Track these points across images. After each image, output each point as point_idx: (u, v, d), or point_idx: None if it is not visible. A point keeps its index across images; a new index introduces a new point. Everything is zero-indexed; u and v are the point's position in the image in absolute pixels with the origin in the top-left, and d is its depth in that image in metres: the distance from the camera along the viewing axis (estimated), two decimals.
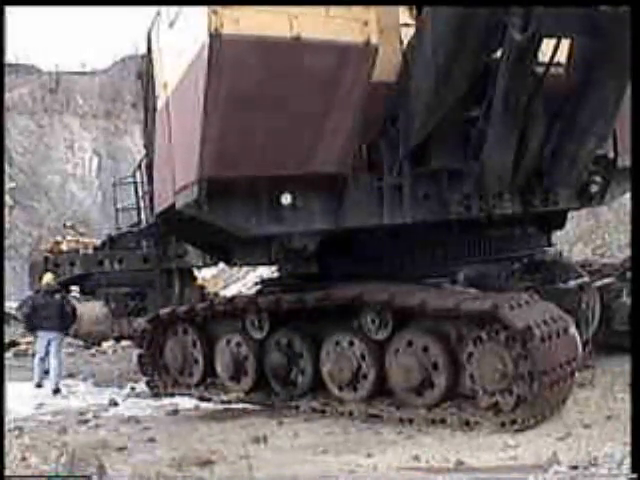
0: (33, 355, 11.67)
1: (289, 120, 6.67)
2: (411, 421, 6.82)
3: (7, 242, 30.84)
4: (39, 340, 11.09)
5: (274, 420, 7.40)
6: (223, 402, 8.56)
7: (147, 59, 8.82)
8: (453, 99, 6.99)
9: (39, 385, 10.87)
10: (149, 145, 9.42)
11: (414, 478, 5.30)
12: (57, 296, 11.07)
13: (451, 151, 7.57)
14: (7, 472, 5.13)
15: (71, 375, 11.76)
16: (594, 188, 8.56)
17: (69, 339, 16.16)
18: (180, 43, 7.13)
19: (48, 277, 11.77)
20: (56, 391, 10.61)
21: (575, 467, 4.91)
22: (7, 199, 35.26)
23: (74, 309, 11.45)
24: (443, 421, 6.65)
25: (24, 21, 61.67)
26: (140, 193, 10.49)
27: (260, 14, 6.29)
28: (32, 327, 11.24)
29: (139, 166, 10.50)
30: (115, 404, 8.99)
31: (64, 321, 10.95)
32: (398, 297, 7.03)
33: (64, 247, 20.95)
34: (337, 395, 7.59)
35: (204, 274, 21.58)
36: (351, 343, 7.48)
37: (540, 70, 6.89)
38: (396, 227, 7.64)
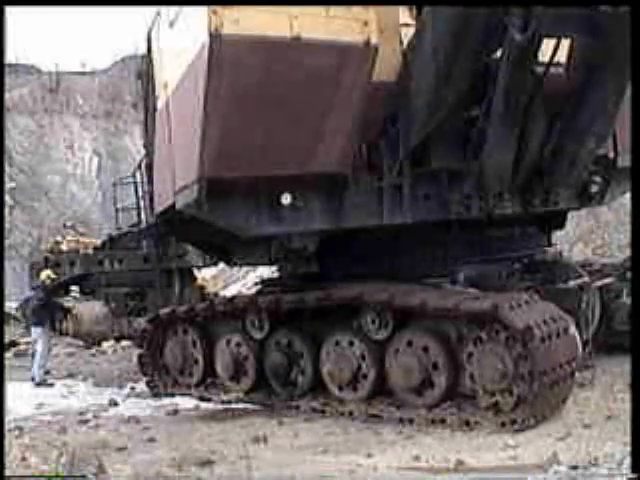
0: (32, 355, 11.81)
1: (289, 120, 6.67)
2: (411, 421, 6.82)
3: (7, 242, 30.82)
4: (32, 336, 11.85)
5: (274, 420, 7.40)
6: (223, 402, 8.56)
7: (147, 59, 8.83)
8: (453, 99, 6.98)
9: (39, 383, 10.90)
10: (149, 145, 9.41)
11: (414, 478, 5.30)
12: (40, 294, 11.67)
13: (451, 151, 7.57)
14: (7, 472, 5.14)
15: (71, 375, 11.78)
16: (594, 188, 8.57)
17: (69, 339, 16.29)
18: (180, 43, 7.13)
19: (44, 274, 12.07)
20: (38, 384, 10.76)
21: (575, 467, 4.92)
22: (7, 199, 35.24)
23: (56, 305, 11.92)
24: (443, 421, 6.64)
25: (24, 21, 61.83)
26: (140, 193, 10.48)
27: (260, 14, 6.29)
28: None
29: (139, 166, 10.50)
30: (115, 404, 8.98)
31: (44, 317, 11.49)
32: (398, 297, 7.03)
33: (64, 247, 20.95)
34: (337, 395, 7.58)
35: (204, 274, 21.56)
36: (351, 343, 7.48)
37: (540, 70, 6.89)
38: (396, 227, 7.64)
